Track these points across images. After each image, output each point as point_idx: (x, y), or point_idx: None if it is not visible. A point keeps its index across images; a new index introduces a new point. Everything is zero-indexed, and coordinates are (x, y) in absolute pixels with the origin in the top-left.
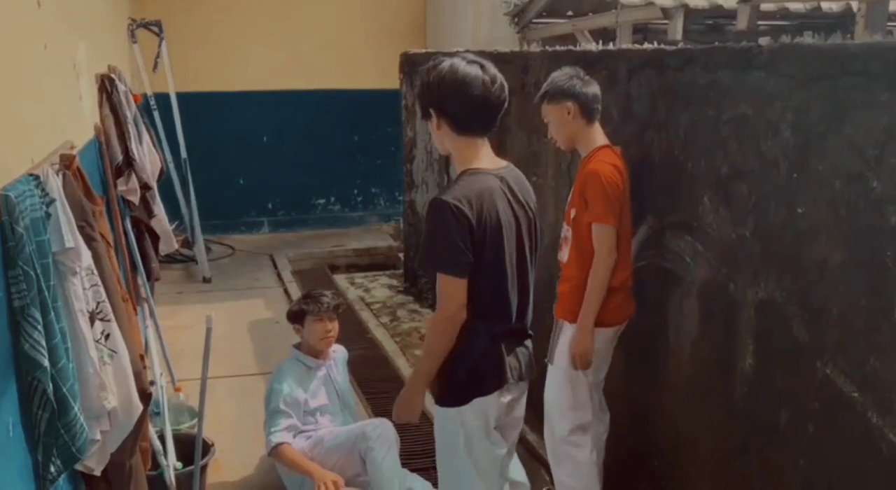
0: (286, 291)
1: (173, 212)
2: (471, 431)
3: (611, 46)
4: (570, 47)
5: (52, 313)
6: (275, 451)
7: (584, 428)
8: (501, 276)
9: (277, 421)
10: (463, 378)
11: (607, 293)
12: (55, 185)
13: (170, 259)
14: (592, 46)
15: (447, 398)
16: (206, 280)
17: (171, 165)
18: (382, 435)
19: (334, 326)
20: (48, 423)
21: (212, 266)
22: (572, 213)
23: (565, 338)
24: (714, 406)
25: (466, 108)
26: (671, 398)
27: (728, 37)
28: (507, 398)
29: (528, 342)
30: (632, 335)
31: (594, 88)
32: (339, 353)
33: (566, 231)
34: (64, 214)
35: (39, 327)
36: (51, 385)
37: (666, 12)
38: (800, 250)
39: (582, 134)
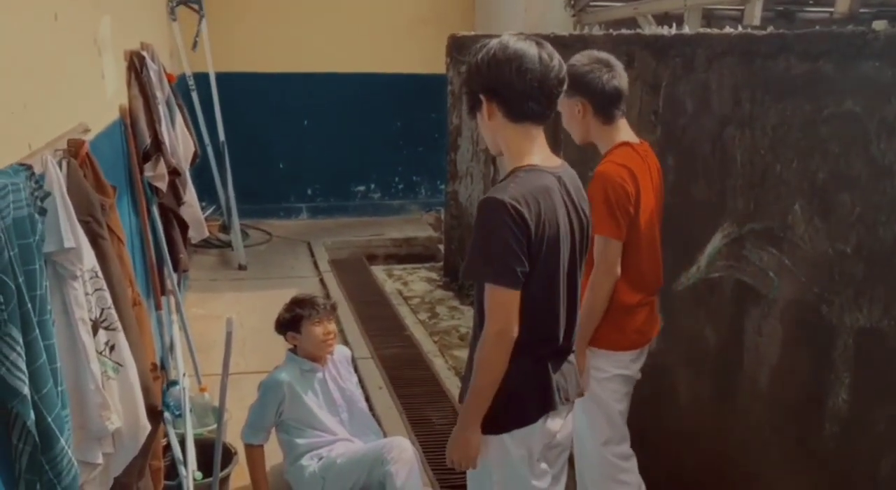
0: (322, 281)
1: (211, 196)
2: (510, 463)
3: (686, 30)
4: (638, 30)
5: (37, 330)
6: (246, 448)
7: (626, 455)
8: (553, 290)
9: (255, 420)
10: (504, 403)
11: (625, 313)
12: (55, 175)
13: (206, 244)
14: (665, 30)
15: (484, 424)
16: (241, 267)
17: (209, 148)
18: (401, 457)
19: (333, 327)
20: (30, 458)
21: (248, 252)
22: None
23: (593, 363)
24: (796, 444)
25: (522, 86)
26: (743, 430)
27: (801, 25)
28: (554, 423)
29: (572, 356)
30: (699, 353)
31: (618, 82)
32: (339, 353)
33: None
34: (64, 210)
35: (19, 348)
36: (32, 415)
37: None
38: None
39: (597, 132)
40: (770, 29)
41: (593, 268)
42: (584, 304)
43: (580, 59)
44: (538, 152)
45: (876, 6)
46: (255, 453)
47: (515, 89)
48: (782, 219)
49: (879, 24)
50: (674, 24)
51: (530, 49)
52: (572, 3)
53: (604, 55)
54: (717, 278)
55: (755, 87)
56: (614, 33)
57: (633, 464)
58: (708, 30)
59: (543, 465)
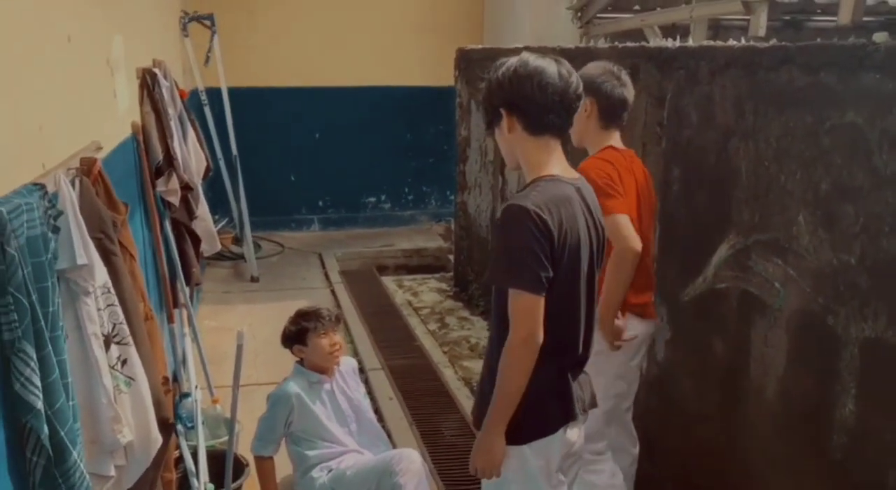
0: (333, 292)
1: (223, 209)
2: (529, 474)
3: (689, 42)
4: (643, 43)
5: (49, 346)
6: (256, 460)
7: (599, 451)
8: (574, 298)
9: (263, 433)
10: (525, 413)
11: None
12: (67, 194)
13: (219, 256)
14: (669, 42)
15: (504, 434)
16: (253, 279)
17: (222, 162)
18: (409, 469)
19: (339, 338)
20: (44, 471)
21: (261, 264)
22: None
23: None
24: (803, 455)
25: (543, 100)
26: (750, 439)
27: (808, 35)
28: (572, 434)
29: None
30: (705, 364)
31: (625, 92)
32: (346, 364)
33: None
34: (77, 228)
35: (33, 364)
36: (46, 429)
37: (748, 6)
38: None
39: (593, 135)
40: (773, 41)
41: (613, 250)
42: (606, 280)
43: (595, 66)
44: (557, 164)
45: (884, 14)
46: (265, 465)
47: (536, 102)
48: (787, 230)
49: (880, 37)
50: (678, 37)
51: (550, 66)
52: (579, 15)
53: (616, 68)
54: (723, 289)
55: (758, 99)
56: (619, 46)
57: (607, 457)
58: (711, 42)
59: (560, 477)
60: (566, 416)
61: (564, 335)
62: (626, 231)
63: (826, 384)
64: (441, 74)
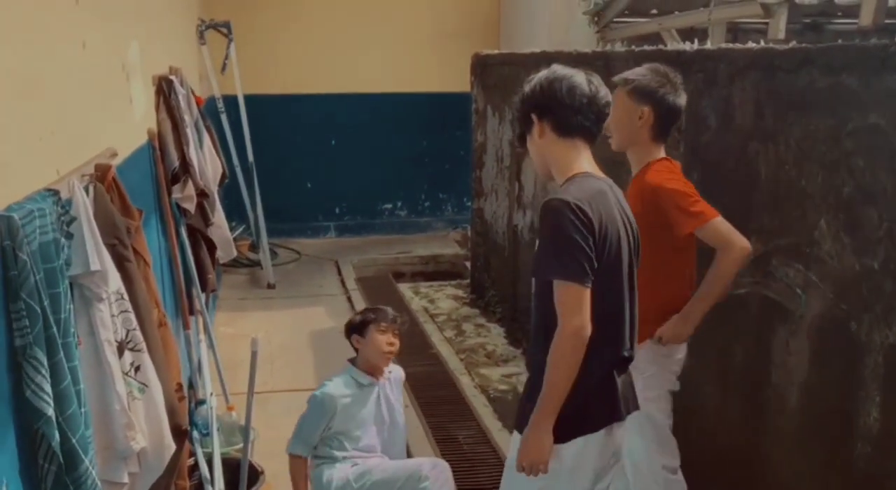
0: (349, 299)
1: (240, 216)
2: (560, 475)
3: (708, 45)
4: (661, 47)
5: (61, 352)
6: (291, 459)
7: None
8: (618, 293)
9: (302, 431)
10: (570, 411)
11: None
12: (81, 200)
13: (236, 263)
14: (687, 46)
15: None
16: (270, 286)
17: (238, 169)
18: (439, 476)
19: (397, 341)
20: (56, 478)
21: (277, 271)
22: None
23: (635, 374)
24: (826, 463)
25: (570, 101)
26: (772, 448)
27: (829, 37)
28: (616, 434)
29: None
30: (727, 370)
31: (681, 101)
32: (395, 372)
33: None
34: (90, 234)
35: (44, 371)
36: (57, 436)
37: (767, 9)
38: None
39: (645, 145)
40: (793, 43)
41: (718, 253)
42: (714, 276)
43: (653, 70)
44: (587, 164)
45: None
46: (298, 464)
47: (565, 104)
48: (808, 234)
49: None
50: (696, 41)
51: (578, 74)
52: (596, 19)
53: (671, 73)
54: (743, 294)
55: (778, 102)
56: (636, 49)
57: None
58: (730, 45)
59: (599, 482)
60: (612, 415)
61: (610, 330)
62: (734, 232)
63: (849, 391)
64: (457, 80)
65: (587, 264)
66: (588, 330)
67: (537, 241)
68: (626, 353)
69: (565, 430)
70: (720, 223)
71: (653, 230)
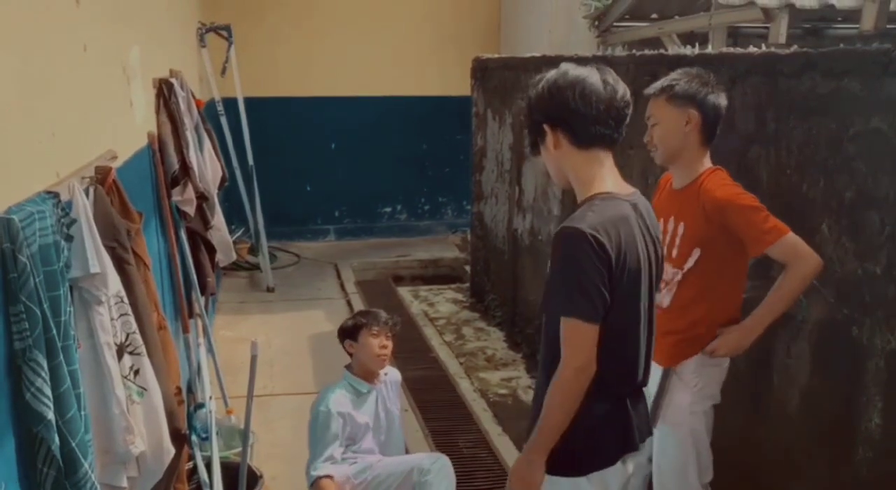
0: (349, 303)
1: (239, 219)
2: None
3: (709, 50)
4: (661, 51)
5: (61, 356)
6: (316, 485)
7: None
8: (634, 323)
9: (322, 451)
10: (582, 444)
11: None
12: (81, 202)
13: (235, 266)
14: (687, 50)
15: (560, 464)
16: (269, 289)
17: (238, 172)
18: (442, 470)
19: (390, 344)
20: (55, 482)
21: (276, 274)
22: (695, 252)
23: (681, 387)
24: (827, 469)
25: (586, 110)
26: (773, 453)
27: (830, 42)
28: (631, 465)
29: (644, 391)
30: (728, 375)
31: (722, 100)
32: (391, 375)
33: (672, 274)
34: (90, 236)
35: (43, 374)
36: (57, 439)
37: (768, 13)
38: None
39: (695, 152)
40: (794, 47)
41: (788, 268)
42: (783, 291)
43: (689, 73)
44: (610, 178)
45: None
46: (326, 486)
47: (580, 114)
48: (810, 238)
49: None
50: (696, 45)
51: (591, 74)
52: (596, 23)
53: (711, 75)
54: (745, 299)
55: (780, 106)
56: (637, 54)
57: None
58: (731, 49)
59: None
60: (626, 446)
61: (624, 362)
62: (806, 247)
63: (851, 396)
64: (457, 84)
65: (598, 301)
66: (592, 369)
67: (548, 269)
68: (639, 381)
69: (584, 464)
70: (793, 238)
71: (714, 245)
